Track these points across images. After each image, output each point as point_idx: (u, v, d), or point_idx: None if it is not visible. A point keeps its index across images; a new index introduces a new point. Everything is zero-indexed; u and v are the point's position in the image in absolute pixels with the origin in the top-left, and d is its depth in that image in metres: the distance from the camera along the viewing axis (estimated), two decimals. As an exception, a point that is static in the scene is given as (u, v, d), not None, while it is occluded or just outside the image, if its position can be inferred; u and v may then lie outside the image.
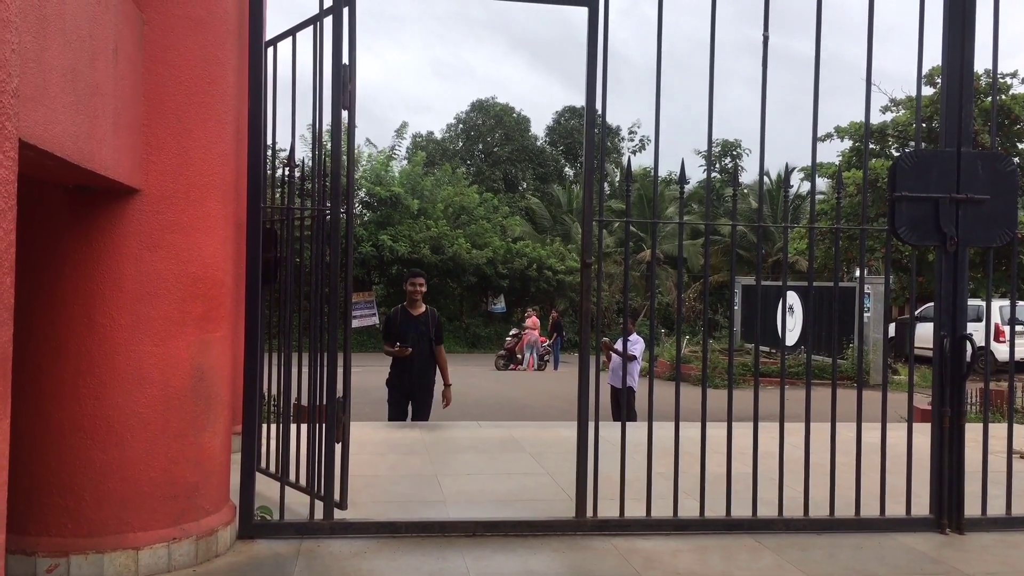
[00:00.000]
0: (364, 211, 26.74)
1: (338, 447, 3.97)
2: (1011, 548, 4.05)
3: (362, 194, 26.37)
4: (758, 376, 4.38)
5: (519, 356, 21.82)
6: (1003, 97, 22.04)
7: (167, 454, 3.39)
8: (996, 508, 4.31)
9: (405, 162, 29.86)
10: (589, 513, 4.11)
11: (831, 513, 4.22)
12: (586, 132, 4.05)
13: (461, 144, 39.40)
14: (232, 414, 3.88)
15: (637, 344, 9.97)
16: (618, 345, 9.77)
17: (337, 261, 3.91)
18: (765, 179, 29.15)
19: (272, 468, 4.35)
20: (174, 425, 3.41)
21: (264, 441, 4.24)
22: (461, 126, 39.65)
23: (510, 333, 22.42)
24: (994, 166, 4.20)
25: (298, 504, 4.06)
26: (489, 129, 38.70)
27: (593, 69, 3.95)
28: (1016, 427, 4.51)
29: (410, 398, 6.99)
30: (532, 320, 22.44)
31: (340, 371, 3.93)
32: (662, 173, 27.36)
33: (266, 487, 4.16)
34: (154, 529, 3.36)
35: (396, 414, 7.02)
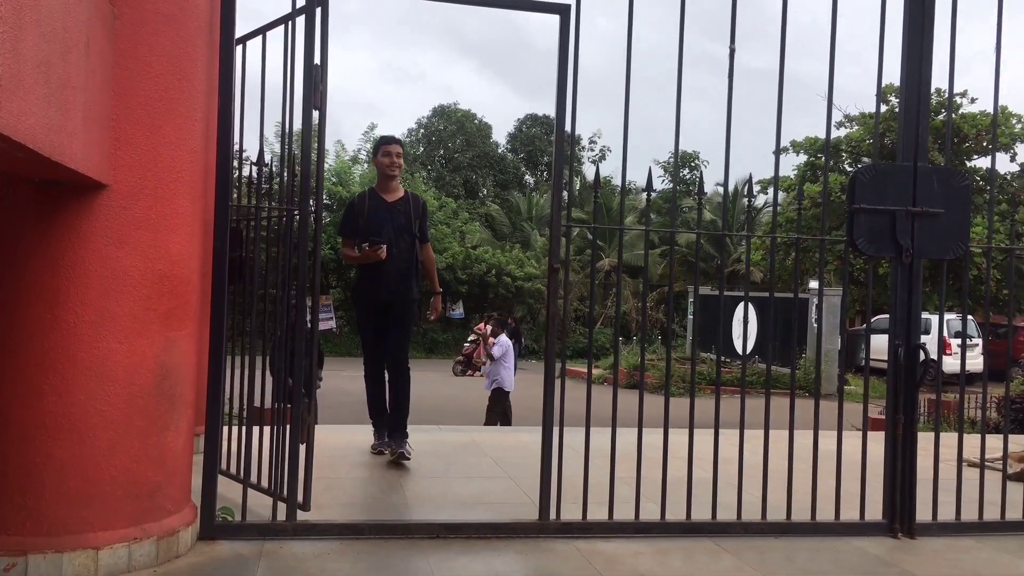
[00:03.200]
0: (323, 213, 26.64)
1: (302, 448, 3.96)
2: (960, 552, 4.18)
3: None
4: (719, 383, 4.46)
5: (477, 362, 21.86)
6: (953, 116, 22.65)
7: (130, 453, 3.35)
8: (946, 514, 4.44)
9: (366, 166, 29.76)
10: (552, 516, 4.15)
11: (788, 517, 4.31)
12: (556, 139, 4.09)
13: (422, 149, 39.36)
14: (195, 414, 3.84)
15: (497, 347, 10.33)
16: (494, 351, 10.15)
17: (305, 261, 3.90)
18: (720, 190, 29.55)
19: (233, 469, 4.32)
20: (137, 424, 3.37)
21: (226, 442, 4.21)
22: (422, 131, 39.60)
23: (468, 339, 22.44)
24: (949, 181, 4.33)
25: (260, 506, 4.03)
26: (451, 135, 38.73)
27: (564, 77, 3.99)
28: (966, 436, 4.64)
29: (385, 313, 5.47)
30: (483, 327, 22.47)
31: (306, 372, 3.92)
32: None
33: (227, 488, 4.12)
34: (115, 529, 3.32)
35: (369, 341, 5.62)
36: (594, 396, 4.20)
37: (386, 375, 5.65)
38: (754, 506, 4.30)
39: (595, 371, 14.86)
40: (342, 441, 6.24)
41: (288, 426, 3.94)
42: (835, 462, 4.32)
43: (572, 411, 4.23)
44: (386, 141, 5.59)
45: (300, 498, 3.96)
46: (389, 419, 5.60)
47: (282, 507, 3.96)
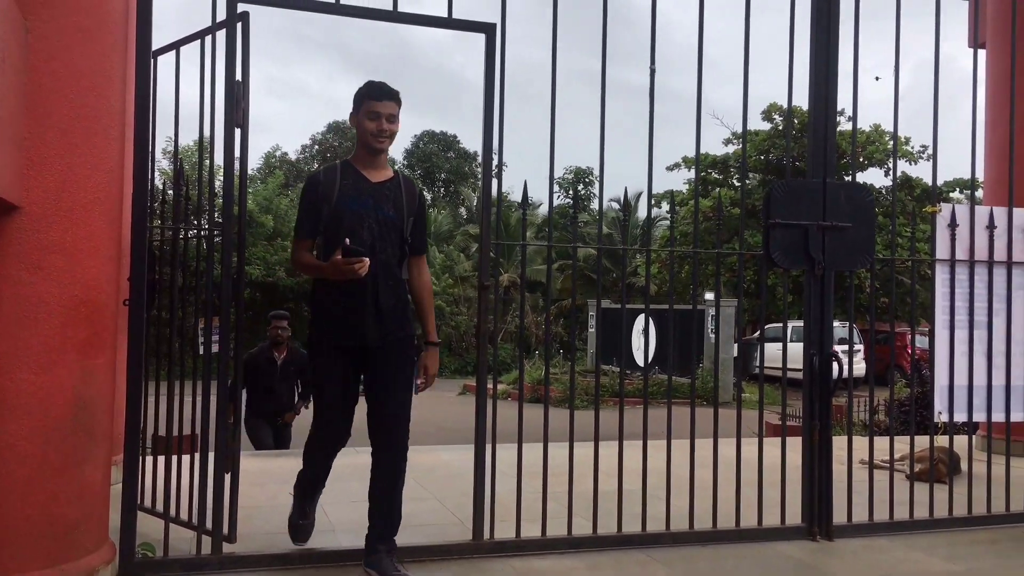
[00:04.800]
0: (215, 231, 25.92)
1: (227, 477, 3.82)
2: (876, 552, 4.36)
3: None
4: (647, 396, 4.52)
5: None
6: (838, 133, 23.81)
7: (46, 490, 3.15)
8: (860, 515, 4.63)
9: (260, 184, 29.10)
10: (486, 535, 4.12)
11: (714, 525, 4.41)
12: (484, 157, 4.10)
13: (316, 165, 38.76)
14: (111, 444, 3.65)
15: None
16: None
17: (229, 283, 3.78)
18: (615, 204, 30.16)
19: (150, 503, 4.13)
20: (54, 459, 3.17)
21: (146, 474, 4.02)
22: (317, 147, 39.04)
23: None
24: (855, 196, 4.55)
25: (182, 540, 3.86)
26: (346, 151, 38.25)
27: (491, 95, 4.01)
28: (866, 439, 4.86)
29: (364, 363, 3.74)
30: None
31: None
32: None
33: (146, 524, 3.93)
34: (31, 570, 3.11)
35: (333, 400, 3.77)
36: (500, 412, 4.19)
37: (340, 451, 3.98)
38: (683, 516, 4.38)
39: (500, 387, 14.92)
40: (257, 467, 6.05)
41: (211, 455, 3.79)
42: (756, 470, 4.45)
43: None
44: (375, 93, 3.68)
45: (225, 529, 3.81)
46: (377, 524, 3.79)
47: (207, 540, 3.80)
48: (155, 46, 3.80)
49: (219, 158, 3.76)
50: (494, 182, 4.16)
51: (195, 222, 4.35)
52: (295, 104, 64.58)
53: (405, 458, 3.82)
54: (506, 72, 4.00)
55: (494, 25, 4.00)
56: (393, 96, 3.72)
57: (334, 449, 3.95)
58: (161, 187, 4.50)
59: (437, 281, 30.23)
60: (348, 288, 3.60)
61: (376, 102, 3.68)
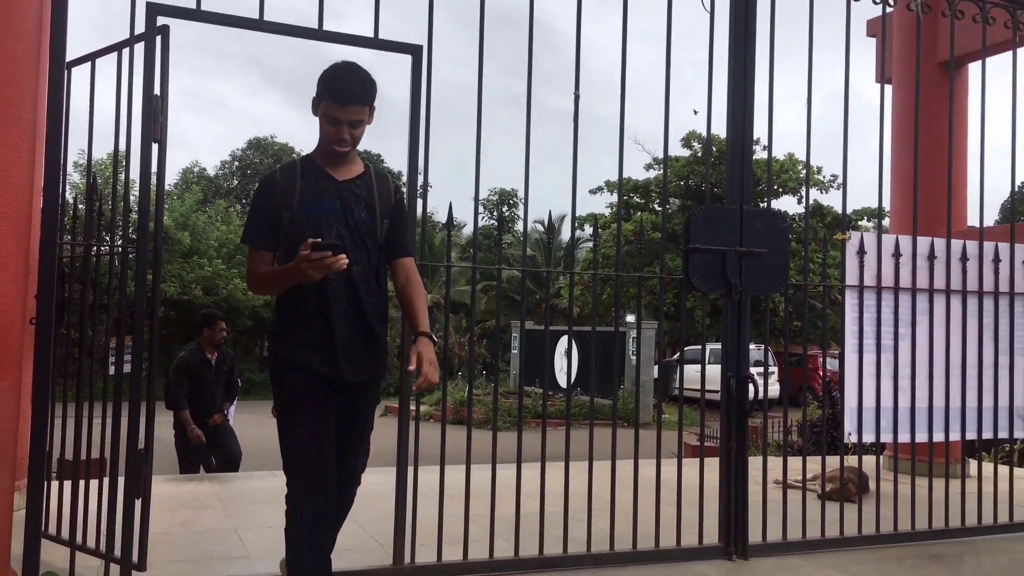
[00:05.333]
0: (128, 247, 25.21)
1: (137, 502, 3.69)
2: (789, 571, 4.46)
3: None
4: (569, 418, 4.55)
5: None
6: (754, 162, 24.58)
7: (-58, 518, 3.00)
8: (774, 535, 4.74)
9: (176, 200, 28.41)
10: (407, 560, 4.08)
11: (634, 546, 4.45)
12: (408, 178, 4.08)
13: (236, 182, 38.07)
14: (14, 469, 3.49)
15: None
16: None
17: (143, 302, 3.67)
18: (539, 226, 30.43)
19: (55, 530, 3.96)
20: (-49, 485, 3.02)
21: (51, 500, 3.85)
22: (237, 163, 38.33)
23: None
24: (771, 223, 4.69)
25: (89, 569, 3.71)
26: (267, 168, 37.65)
27: (416, 116, 4.01)
28: (779, 459, 4.98)
29: (341, 396, 3.11)
30: None
31: (143, 420, 3.66)
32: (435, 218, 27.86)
33: (51, 552, 3.76)
34: (-77, 605, 2.95)
35: (312, 437, 3.00)
36: (423, 433, 4.15)
37: None
38: (604, 537, 4.41)
39: (422, 408, 14.79)
40: (166, 492, 5.87)
41: (121, 479, 3.66)
42: (675, 491, 4.52)
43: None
44: (337, 95, 2.99)
45: (135, 558, 3.68)
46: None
47: (115, 568, 3.66)
48: (70, 57, 3.69)
49: (135, 173, 3.66)
50: (419, 202, 4.15)
51: (108, 238, 4.22)
52: (214, 119, 63.43)
53: (354, 496, 3.33)
54: (432, 93, 4.02)
55: (420, 47, 4.01)
56: (361, 99, 3.02)
57: (326, 488, 3.02)
58: (72, 201, 4.35)
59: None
60: (322, 306, 3.01)
61: (338, 107, 3.01)
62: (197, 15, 3.72)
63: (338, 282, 3.01)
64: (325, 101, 3.04)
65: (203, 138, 63.48)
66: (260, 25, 3.84)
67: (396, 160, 42.68)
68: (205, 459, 7.44)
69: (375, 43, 3.99)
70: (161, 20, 3.63)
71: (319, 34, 3.90)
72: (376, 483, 4.09)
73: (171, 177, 36.59)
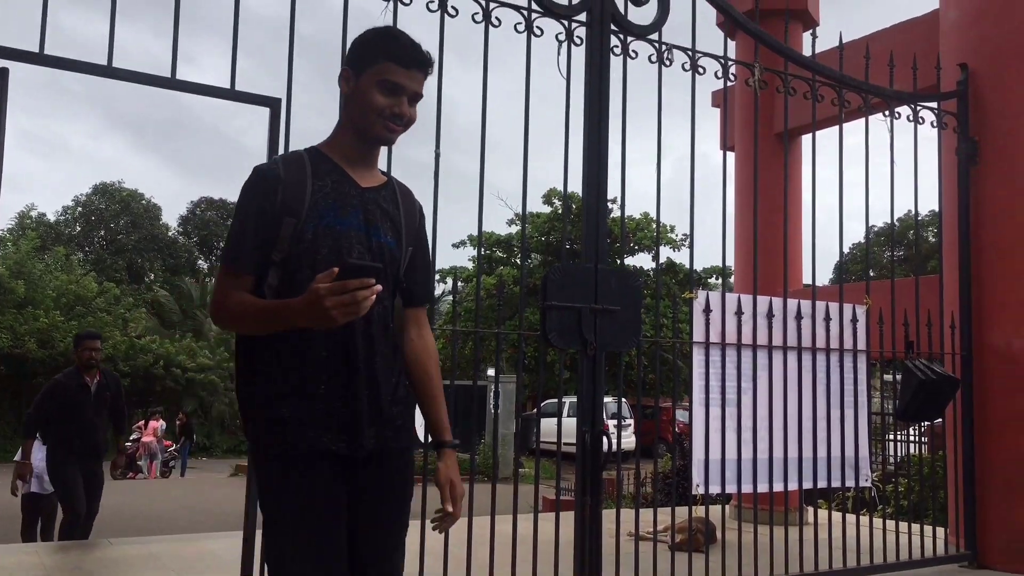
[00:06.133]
0: None
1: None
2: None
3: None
4: (426, 475, 4.50)
5: (139, 463, 20.36)
6: (609, 220, 25.50)
7: None
8: (628, 586, 4.82)
9: (11, 246, 26.64)
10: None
11: (491, 604, 4.42)
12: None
13: (79, 229, 36.13)
14: None
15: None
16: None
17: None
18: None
19: None
20: None
21: None
22: (80, 209, 36.42)
23: (131, 438, 20.66)
24: (624, 281, 4.86)
25: None
26: (113, 215, 36.01)
27: (273, 168, 3.94)
28: (636, 511, 5.10)
29: (355, 478, 2.21)
30: (154, 425, 21.15)
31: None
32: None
33: None
34: None
35: (318, 539, 2.08)
36: None
37: None
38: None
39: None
40: (10, 563, 5.41)
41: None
42: (531, 546, 4.53)
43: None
44: (401, 55, 2.25)
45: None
46: None
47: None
48: None
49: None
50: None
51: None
52: (54, 162, 60.12)
53: None
54: (290, 144, 3.96)
55: (279, 100, 3.96)
56: (427, 66, 2.30)
57: None
58: None
59: (211, 355, 28.72)
60: (322, 356, 2.13)
61: (402, 69, 2.24)
62: (41, 59, 3.55)
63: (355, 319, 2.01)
64: (380, 64, 2.24)
65: (44, 182, 60.05)
66: (110, 72, 3.69)
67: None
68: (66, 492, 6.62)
69: (232, 95, 3.91)
70: (1, 63, 3.45)
71: (172, 83, 3.79)
72: (223, 550, 3.93)
73: (6, 222, 34.41)
